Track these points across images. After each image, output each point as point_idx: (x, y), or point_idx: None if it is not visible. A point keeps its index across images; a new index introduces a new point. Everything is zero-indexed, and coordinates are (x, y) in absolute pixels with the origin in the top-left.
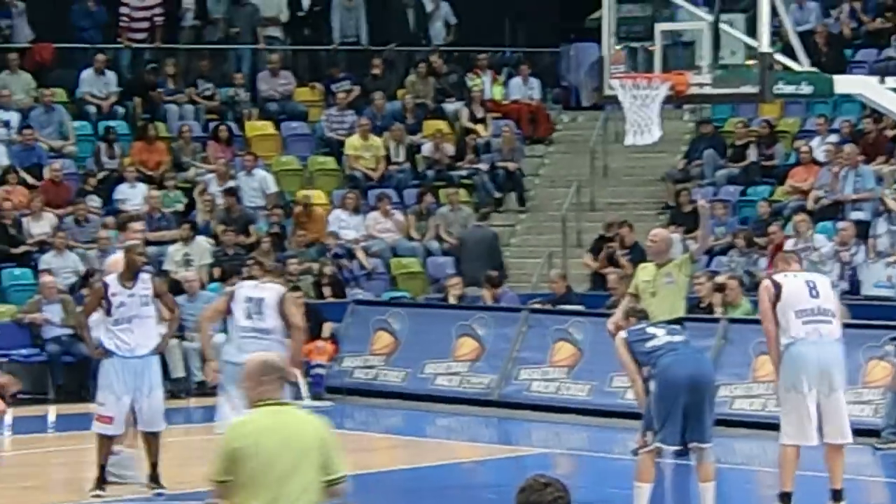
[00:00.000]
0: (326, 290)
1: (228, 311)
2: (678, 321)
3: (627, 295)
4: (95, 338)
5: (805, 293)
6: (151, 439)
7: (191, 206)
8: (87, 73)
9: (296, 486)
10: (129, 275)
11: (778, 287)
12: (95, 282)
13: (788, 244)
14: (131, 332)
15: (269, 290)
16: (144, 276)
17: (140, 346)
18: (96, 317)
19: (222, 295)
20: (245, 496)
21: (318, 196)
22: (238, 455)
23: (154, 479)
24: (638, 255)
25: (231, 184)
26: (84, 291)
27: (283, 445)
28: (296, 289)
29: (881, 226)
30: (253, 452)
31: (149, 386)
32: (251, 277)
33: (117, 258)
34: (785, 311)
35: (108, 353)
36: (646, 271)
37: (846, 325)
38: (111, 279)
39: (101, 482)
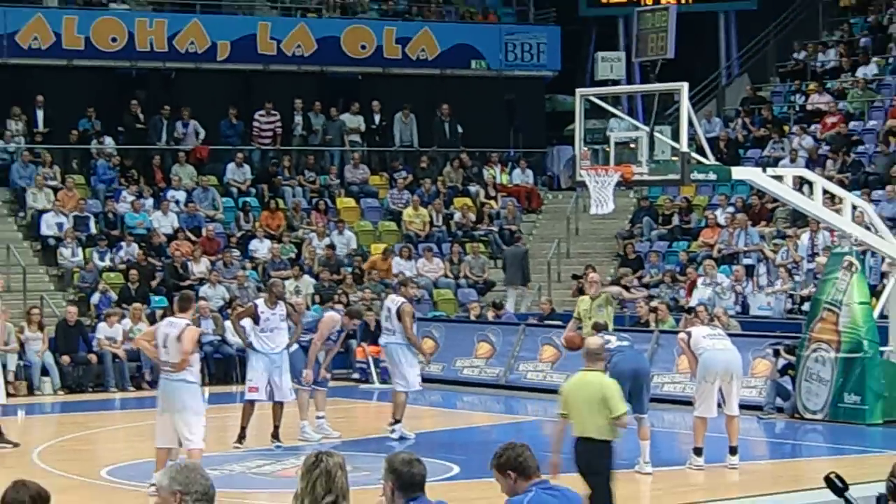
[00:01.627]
0: None
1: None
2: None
3: (573, 319)
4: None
5: (706, 329)
6: (278, 408)
7: (299, 254)
8: (231, 166)
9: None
10: (272, 302)
11: (689, 334)
12: (237, 305)
13: (700, 280)
14: (272, 337)
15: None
16: (280, 303)
17: (277, 346)
18: (247, 325)
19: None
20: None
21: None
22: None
23: (275, 436)
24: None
25: (327, 241)
26: (228, 311)
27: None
28: (369, 310)
29: (762, 269)
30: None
31: (279, 371)
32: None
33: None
34: (697, 341)
35: (254, 349)
36: (584, 302)
37: (739, 335)
38: (259, 302)
39: (241, 438)
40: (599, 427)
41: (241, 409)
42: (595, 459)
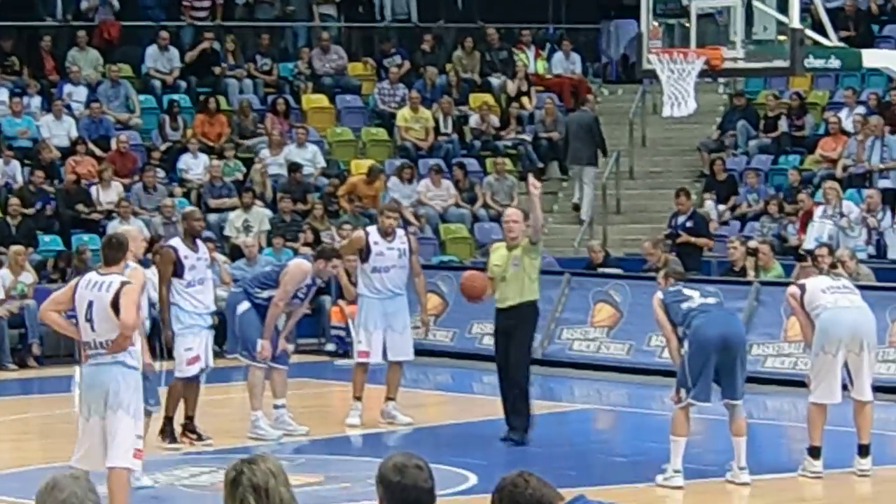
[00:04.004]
0: None
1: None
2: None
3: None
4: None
5: (827, 280)
6: (195, 389)
7: (248, 175)
8: (151, 50)
9: None
10: (190, 241)
11: (802, 287)
12: (160, 248)
13: (818, 210)
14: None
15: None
16: (200, 243)
17: (209, 304)
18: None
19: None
20: None
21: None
22: None
23: (191, 429)
24: (699, 221)
25: (288, 156)
26: (149, 256)
27: None
28: None
29: None
30: None
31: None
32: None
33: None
34: (813, 297)
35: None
36: (497, 254)
37: (872, 288)
38: (177, 243)
39: (191, 431)
40: None
41: (169, 391)
42: None
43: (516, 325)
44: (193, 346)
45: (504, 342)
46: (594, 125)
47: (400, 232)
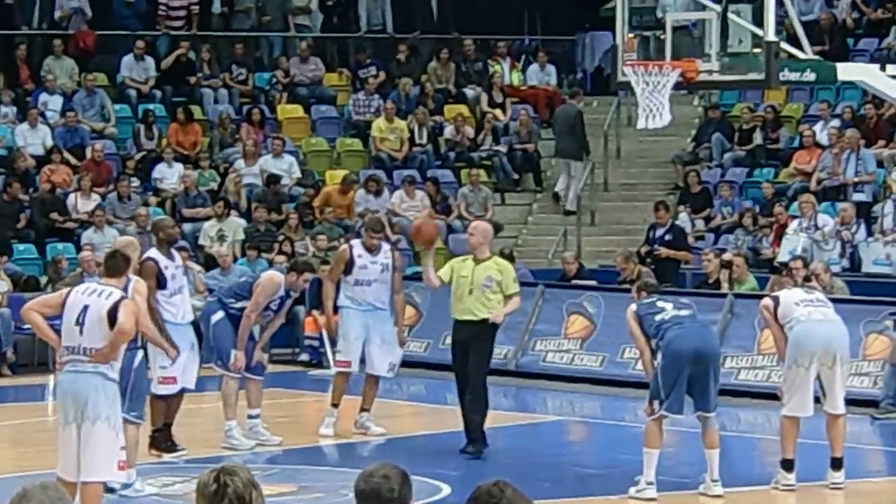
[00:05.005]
0: None
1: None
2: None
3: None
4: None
5: (800, 293)
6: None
7: (223, 185)
8: (127, 59)
9: None
10: (165, 249)
11: (775, 300)
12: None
13: (792, 223)
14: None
15: None
16: (175, 252)
17: (187, 314)
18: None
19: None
20: None
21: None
22: None
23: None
24: (678, 234)
25: (263, 165)
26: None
27: None
28: (325, 263)
29: (888, 207)
30: None
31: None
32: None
33: None
34: (786, 310)
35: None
36: (464, 265)
37: (846, 301)
38: (155, 254)
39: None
40: None
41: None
42: None
43: (474, 338)
44: (168, 365)
45: (462, 354)
46: (578, 120)
47: (385, 247)
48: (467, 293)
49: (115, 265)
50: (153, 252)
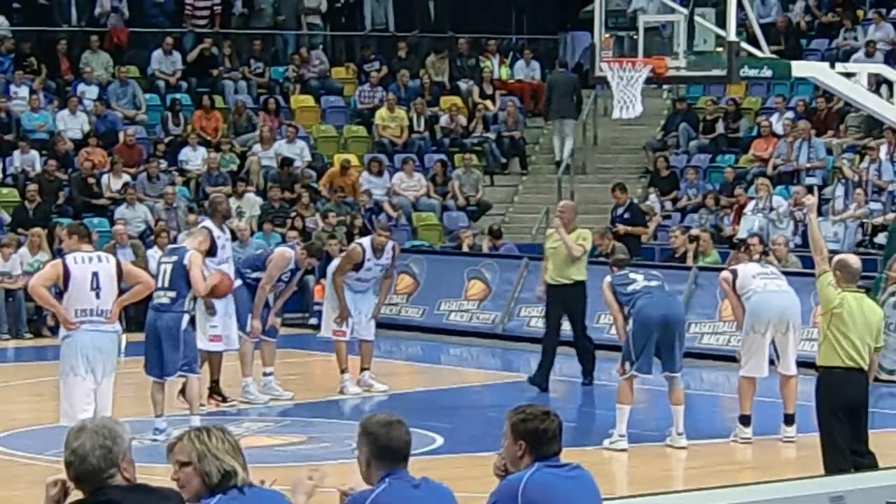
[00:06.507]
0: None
1: None
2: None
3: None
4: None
5: (756, 267)
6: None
7: (242, 166)
8: (156, 53)
9: None
10: (220, 224)
11: (734, 273)
12: (163, 229)
13: (750, 204)
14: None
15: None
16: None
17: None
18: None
19: None
20: None
21: (351, 160)
22: None
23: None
24: (636, 212)
25: (277, 149)
26: (152, 238)
27: None
28: (332, 237)
29: (839, 189)
30: None
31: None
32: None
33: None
34: (744, 282)
35: None
36: (552, 238)
37: (798, 274)
38: (210, 226)
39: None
40: None
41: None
42: None
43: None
44: (218, 325)
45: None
46: (577, 83)
47: (389, 246)
48: (556, 260)
49: (86, 231)
50: (207, 222)
